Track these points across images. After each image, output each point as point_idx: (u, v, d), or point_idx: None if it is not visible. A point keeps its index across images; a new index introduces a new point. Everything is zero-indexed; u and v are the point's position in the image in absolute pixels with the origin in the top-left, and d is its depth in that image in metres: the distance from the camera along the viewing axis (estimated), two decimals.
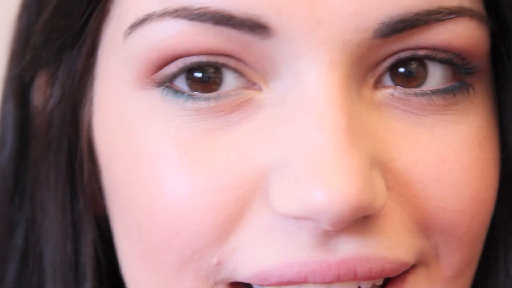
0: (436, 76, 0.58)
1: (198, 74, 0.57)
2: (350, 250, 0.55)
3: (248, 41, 0.55)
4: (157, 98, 0.58)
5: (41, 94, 0.66)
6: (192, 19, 0.55)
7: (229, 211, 0.56)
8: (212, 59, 0.56)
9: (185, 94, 0.57)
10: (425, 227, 0.57)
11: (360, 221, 0.55)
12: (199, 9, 0.54)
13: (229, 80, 0.57)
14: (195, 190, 0.56)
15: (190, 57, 0.56)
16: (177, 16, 0.55)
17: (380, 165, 0.56)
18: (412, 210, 0.57)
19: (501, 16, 0.58)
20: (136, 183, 0.59)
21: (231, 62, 0.56)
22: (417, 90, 0.57)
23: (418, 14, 0.55)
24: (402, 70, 0.57)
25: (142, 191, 0.58)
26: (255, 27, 0.54)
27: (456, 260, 0.59)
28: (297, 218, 0.54)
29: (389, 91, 0.57)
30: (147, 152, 0.58)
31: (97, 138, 0.62)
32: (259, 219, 0.56)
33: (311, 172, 0.53)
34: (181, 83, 0.57)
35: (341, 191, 0.52)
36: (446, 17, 0.56)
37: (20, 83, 0.67)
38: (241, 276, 0.57)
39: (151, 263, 0.59)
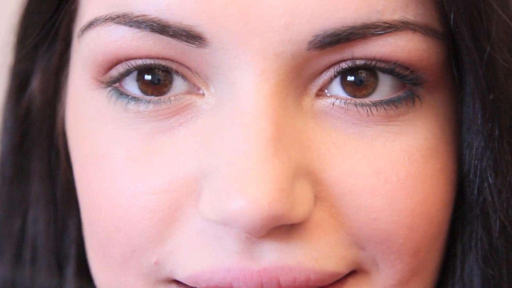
0: (386, 85, 0.57)
1: (148, 77, 0.58)
2: (273, 258, 0.55)
3: (185, 48, 0.56)
4: (104, 99, 0.60)
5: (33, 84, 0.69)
6: (131, 25, 0.56)
7: (163, 213, 0.57)
8: (155, 61, 0.58)
9: (129, 97, 0.59)
10: (358, 238, 0.57)
11: (285, 229, 0.55)
12: (138, 16, 0.56)
13: (178, 83, 0.58)
14: (134, 191, 0.58)
15: (134, 60, 0.58)
16: (118, 22, 0.57)
17: (310, 176, 0.56)
18: (345, 222, 0.56)
19: (452, 32, 0.57)
20: (86, 180, 0.61)
21: (174, 65, 0.58)
22: (358, 100, 0.57)
23: (353, 27, 0.55)
24: (351, 78, 0.57)
25: (91, 188, 0.61)
26: (190, 36, 0.55)
27: (398, 270, 0.58)
28: (221, 224, 0.55)
29: (330, 101, 0.57)
30: (95, 151, 0.60)
31: (67, 129, 0.65)
32: (193, 223, 0.57)
33: (229, 180, 0.54)
34: (131, 85, 0.59)
35: (254, 200, 0.53)
36: (383, 31, 0.55)
37: (18, 76, 0.70)
38: (178, 277, 0.58)
39: (102, 257, 0.61)
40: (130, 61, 0.58)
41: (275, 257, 0.56)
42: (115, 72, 0.59)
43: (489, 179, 0.59)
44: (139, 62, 0.58)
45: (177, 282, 0.59)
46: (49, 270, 0.69)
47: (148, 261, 0.58)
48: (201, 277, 0.57)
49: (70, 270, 0.68)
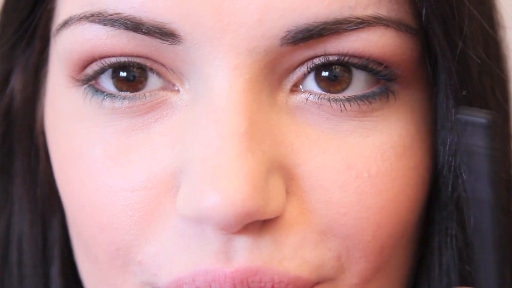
0: (360, 80, 0.58)
1: (123, 74, 0.59)
2: (243, 259, 0.56)
3: (160, 46, 0.56)
4: (80, 97, 0.60)
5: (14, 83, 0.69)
6: (105, 24, 0.57)
7: (143, 210, 0.57)
8: (129, 59, 0.58)
9: (104, 93, 0.59)
10: (325, 235, 0.57)
11: (258, 225, 0.56)
12: (112, 15, 0.56)
13: (153, 80, 0.58)
14: (113, 189, 0.58)
15: (108, 58, 0.58)
16: (93, 21, 0.57)
17: (283, 171, 0.56)
18: (313, 217, 0.57)
19: (424, 27, 0.57)
20: (66, 180, 0.61)
21: (148, 62, 0.58)
22: (332, 96, 0.57)
23: (325, 23, 0.55)
24: (326, 74, 0.57)
25: (71, 187, 0.61)
26: (163, 33, 0.56)
27: (362, 268, 0.58)
28: (196, 220, 0.56)
29: (304, 96, 0.57)
30: (73, 150, 0.60)
31: (46, 129, 0.65)
32: (174, 221, 0.57)
33: (203, 176, 0.54)
34: (106, 82, 0.59)
35: (227, 196, 0.53)
36: (355, 27, 0.55)
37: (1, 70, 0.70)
38: (161, 283, 0.58)
39: (88, 256, 0.61)
40: (104, 59, 0.58)
41: (245, 257, 0.56)
42: (90, 70, 0.59)
43: (463, 175, 0.59)
44: (113, 60, 0.58)
45: None
46: (34, 270, 0.69)
47: (134, 259, 0.58)
48: (184, 281, 0.57)
49: (55, 269, 0.68)
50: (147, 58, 0.58)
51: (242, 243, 0.56)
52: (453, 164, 0.59)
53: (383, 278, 0.60)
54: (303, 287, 0.57)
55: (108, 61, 0.58)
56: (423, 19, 0.57)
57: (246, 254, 0.56)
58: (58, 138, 0.62)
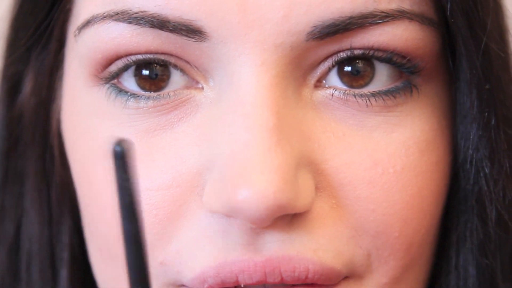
0: (383, 75, 0.58)
1: (146, 72, 0.58)
2: (275, 249, 0.56)
3: (185, 43, 0.56)
4: (103, 96, 0.60)
5: (26, 85, 0.68)
6: (130, 22, 0.56)
7: (168, 209, 0.57)
8: (154, 56, 0.58)
9: (128, 93, 0.58)
10: (356, 231, 0.57)
11: (287, 220, 0.56)
12: (137, 13, 0.56)
13: (176, 78, 0.58)
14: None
15: (132, 56, 0.58)
16: (117, 19, 0.57)
17: (311, 166, 0.56)
18: (344, 213, 0.57)
19: (447, 21, 0.58)
20: (88, 179, 0.61)
21: (172, 60, 0.58)
22: (357, 91, 0.57)
23: (351, 17, 0.55)
24: (348, 68, 0.58)
25: (94, 187, 0.60)
26: (189, 31, 0.55)
27: (390, 267, 0.58)
28: (226, 215, 0.55)
29: (329, 91, 0.58)
30: (95, 150, 0.60)
31: (63, 131, 0.65)
32: (198, 219, 0.57)
33: (233, 170, 0.54)
34: (129, 81, 0.59)
35: (259, 190, 0.53)
36: (381, 21, 0.56)
37: (12, 72, 0.69)
38: (185, 279, 0.58)
39: (108, 256, 0.61)
40: (129, 56, 0.58)
41: (277, 247, 0.56)
42: (114, 67, 0.59)
43: (485, 168, 0.60)
44: (139, 57, 0.58)
45: (184, 286, 0.58)
46: (43, 274, 0.68)
47: (155, 260, 0.58)
48: (208, 274, 0.56)
49: (64, 274, 0.68)
50: (171, 55, 0.58)
51: (272, 235, 0.56)
52: (474, 157, 0.60)
53: (411, 277, 0.60)
54: (335, 279, 0.57)
55: (133, 58, 0.58)
56: (448, 14, 0.57)
57: (278, 244, 0.56)
58: (78, 138, 0.62)
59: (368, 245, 0.57)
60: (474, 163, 0.60)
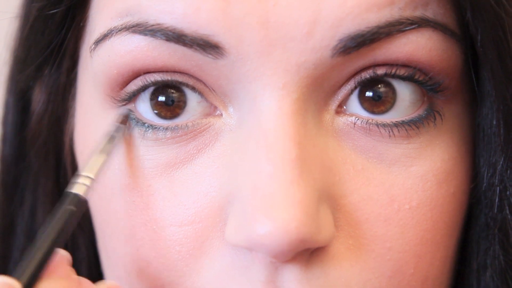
0: (405, 100, 0.57)
1: (162, 98, 0.57)
2: None
3: (202, 60, 0.54)
4: None
5: (36, 101, 0.67)
6: (146, 34, 0.55)
7: (190, 245, 0.56)
8: (172, 77, 0.56)
9: (146, 124, 0.57)
10: (373, 274, 0.56)
11: (306, 256, 0.55)
12: (153, 25, 0.55)
13: (193, 104, 0.57)
14: (161, 224, 0.57)
15: (151, 75, 0.56)
16: (134, 32, 0.55)
17: (331, 201, 0.55)
18: (361, 254, 0.56)
19: (473, 39, 0.57)
20: (107, 210, 0.60)
21: (191, 81, 0.56)
22: (379, 120, 0.56)
23: (377, 27, 0.54)
24: (370, 94, 0.56)
25: (114, 219, 0.59)
26: (206, 46, 0.54)
27: None
28: (247, 249, 0.54)
29: (351, 120, 0.56)
30: (114, 182, 0.59)
31: (76, 152, 0.64)
32: (220, 256, 0.56)
33: (255, 204, 0.53)
34: (144, 106, 0.57)
35: (281, 224, 0.52)
36: (407, 28, 0.54)
37: (21, 88, 0.68)
38: None
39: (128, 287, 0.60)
40: (147, 75, 0.56)
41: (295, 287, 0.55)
42: (132, 86, 0.57)
43: (511, 198, 0.58)
44: (157, 77, 0.56)
45: None
46: None
47: None
48: None
49: None
50: (189, 75, 0.56)
51: (291, 273, 0.55)
52: (499, 187, 0.59)
53: None
54: None
55: (151, 77, 0.56)
56: (471, 29, 0.56)
57: (296, 284, 0.55)
58: None
59: (384, 286, 0.56)
60: (498, 192, 0.59)
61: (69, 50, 0.62)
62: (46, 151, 0.67)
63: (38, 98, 0.66)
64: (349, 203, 0.56)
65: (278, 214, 0.52)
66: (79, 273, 0.65)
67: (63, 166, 0.66)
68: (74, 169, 0.65)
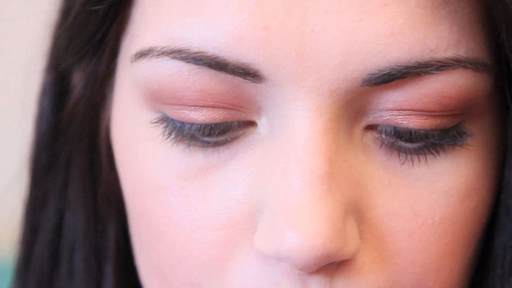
0: (435, 130, 0.57)
1: (207, 135, 0.58)
2: None
3: (242, 83, 0.56)
4: (156, 127, 0.60)
5: (74, 85, 0.69)
6: (189, 62, 0.56)
7: (220, 249, 0.58)
8: (213, 115, 0.57)
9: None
10: (395, 286, 0.58)
11: (333, 268, 0.57)
12: (196, 53, 0.56)
13: (234, 124, 0.58)
14: (193, 226, 0.59)
15: (191, 113, 0.57)
16: (174, 57, 0.57)
17: (358, 214, 0.57)
18: (385, 267, 0.58)
19: (507, 63, 0.58)
20: (141, 205, 0.62)
21: (228, 100, 0.57)
22: (403, 144, 0.57)
23: (407, 67, 0.55)
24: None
25: (148, 215, 0.61)
26: (247, 73, 0.56)
27: None
28: (275, 259, 0.57)
29: (379, 137, 0.58)
30: (148, 179, 0.61)
31: (113, 142, 0.65)
32: (248, 264, 0.58)
33: (284, 217, 0.55)
34: None
35: (308, 239, 0.54)
36: (437, 71, 0.56)
37: (61, 71, 0.69)
38: None
39: (161, 280, 0.62)
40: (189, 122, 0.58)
41: None
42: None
43: None
44: (198, 123, 0.58)
45: None
46: (88, 266, 0.70)
47: None
48: None
49: (109, 269, 0.69)
50: (227, 108, 0.58)
51: (317, 284, 0.57)
52: None
53: None
54: None
55: (192, 116, 0.58)
56: (503, 60, 0.57)
57: None
58: (129, 160, 0.62)
59: None
60: None
61: (111, 43, 0.64)
62: (81, 133, 0.68)
63: (77, 82, 0.68)
64: (374, 217, 0.58)
65: (305, 230, 0.54)
66: (106, 254, 0.69)
67: (97, 150, 0.68)
68: (108, 155, 0.67)
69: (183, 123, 0.59)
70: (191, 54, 0.56)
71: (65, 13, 0.66)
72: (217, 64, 0.56)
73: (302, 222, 0.54)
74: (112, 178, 0.67)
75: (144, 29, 0.59)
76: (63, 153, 0.70)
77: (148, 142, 0.61)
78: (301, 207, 0.55)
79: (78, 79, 0.68)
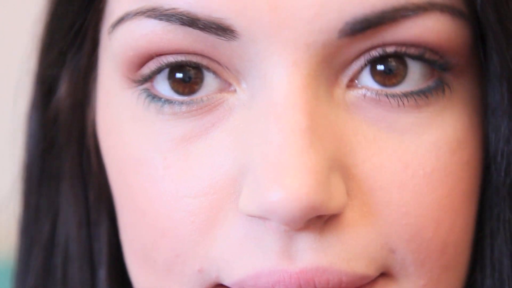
0: (415, 73, 0.58)
1: (179, 75, 0.59)
2: (308, 260, 0.56)
3: (216, 42, 0.57)
4: (137, 101, 0.60)
5: (60, 87, 0.69)
6: (161, 19, 0.57)
7: (204, 216, 0.58)
8: (186, 58, 0.58)
9: (162, 99, 0.59)
10: (389, 237, 0.57)
11: (320, 224, 0.56)
12: (167, 10, 0.57)
13: (209, 80, 0.59)
14: (176, 195, 0.58)
15: (164, 57, 0.58)
16: (148, 16, 0.57)
17: (343, 170, 0.57)
18: (376, 220, 0.57)
19: (478, 15, 0.58)
20: (126, 184, 0.62)
21: (204, 61, 0.58)
22: (389, 91, 0.58)
23: (383, 11, 0.55)
24: (381, 67, 0.58)
25: (132, 192, 0.61)
26: (219, 29, 0.56)
27: (428, 269, 0.58)
28: (260, 218, 0.56)
29: (362, 92, 0.58)
30: (132, 155, 0.61)
31: (98, 131, 0.66)
32: (234, 227, 0.57)
33: (267, 173, 0.55)
34: (162, 84, 0.59)
35: (292, 191, 0.54)
36: (412, 13, 0.56)
37: (47, 74, 0.70)
38: (224, 282, 0.58)
39: (144, 261, 0.62)
40: (161, 57, 0.59)
41: (310, 257, 0.56)
42: (146, 69, 0.59)
43: None
44: (171, 59, 0.58)
45: (222, 285, 0.59)
46: (81, 274, 0.69)
47: (192, 268, 0.59)
48: (247, 283, 0.57)
49: (103, 273, 0.69)
50: (203, 56, 0.58)
51: (305, 241, 0.56)
52: (505, 150, 0.60)
53: (451, 277, 0.60)
54: (369, 283, 0.58)
55: (165, 59, 0.58)
56: (478, 8, 0.57)
57: (311, 253, 0.56)
58: (114, 141, 0.63)
59: (403, 250, 0.58)
60: (505, 155, 0.60)
61: (90, 33, 0.65)
62: (68, 133, 0.69)
63: (63, 84, 0.68)
64: (361, 172, 0.57)
65: (288, 182, 0.54)
66: (99, 258, 0.68)
67: (86, 152, 0.68)
68: (97, 151, 0.67)
69: (162, 94, 0.59)
70: (164, 11, 0.57)
71: (47, 10, 0.68)
72: (189, 20, 0.56)
73: (284, 175, 0.54)
74: (102, 177, 0.67)
75: (119, 0, 0.60)
76: (52, 162, 0.70)
77: (130, 119, 0.61)
78: (283, 161, 0.54)
79: (63, 82, 0.68)
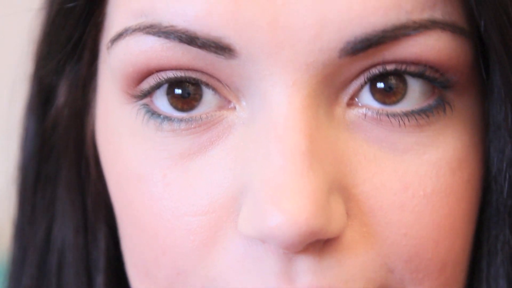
0: (416, 91, 0.57)
1: (178, 91, 0.58)
2: (308, 282, 0.55)
3: (215, 60, 0.56)
4: (137, 117, 0.60)
5: (59, 96, 0.69)
6: (160, 36, 0.56)
7: (204, 235, 0.57)
8: (185, 74, 0.58)
9: (161, 116, 0.58)
10: (388, 258, 0.57)
11: (319, 246, 0.56)
12: (166, 27, 0.56)
13: (208, 97, 0.58)
14: (176, 213, 0.58)
15: (164, 72, 0.58)
16: (147, 33, 0.57)
17: (343, 191, 0.56)
18: (375, 241, 0.57)
19: (480, 33, 0.57)
20: (125, 199, 0.61)
21: (204, 78, 0.57)
22: (389, 110, 0.57)
23: (384, 31, 0.55)
24: (381, 85, 0.57)
25: (132, 208, 0.61)
26: (218, 47, 0.55)
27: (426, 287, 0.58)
28: (259, 240, 0.56)
29: (362, 111, 0.57)
30: (132, 170, 0.60)
31: (98, 142, 0.65)
32: (234, 246, 0.57)
33: (266, 195, 0.54)
34: (161, 99, 0.59)
35: (291, 216, 0.53)
36: (414, 32, 0.55)
37: (44, 83, 0.69)
38: None
39: (145, 276, 0.61)
40: (160, 73, 0.58)
41: (309, 279, 0.56)
42: (146, 85, 0.59)
43: None
44: (170, 74, 0.58)
45: None
46: (78, 280, 0.69)
47: (193, 285, 0.58)
48: None
49: (100, 280, 0.68)
50: (202, 72, 0.57)
51: (304, 264, 0.56)
52: (508, 172, 0.59)
53: None
54: None
55: (164, 75, 0.58)
56: (482, 29, 0.57)
57: (310, 275, 0.56)
58: (113, 154, 0.62)
59: (401, 270, 0.57)
60: (508, 177, 0.60)
61: (89, 44, 0.64)
62: (67, 142, 0.68)
63: (61, 93, 0.68)
64: (361, 192, 0.57)
65: (288, 206, 0.53)
66: (97, 265, 0.68)
67: (85, 157, 0.68)
68: (96, 161, 0.67)
69: (161, 110, 0.58)
70: (162, 28, 0.56)
71: (45, 19, 0.67)
72: (187, 38, 0.55)
73: (284, 199, 0.53)
74: (101, 186, 0.67)
75: (118, 15, 0.59)
76: (49, 167, 0.69)
77: (129, 134, 0.60)
78: (283, 185, 0.54)
79: (62, 91, 0.68)
